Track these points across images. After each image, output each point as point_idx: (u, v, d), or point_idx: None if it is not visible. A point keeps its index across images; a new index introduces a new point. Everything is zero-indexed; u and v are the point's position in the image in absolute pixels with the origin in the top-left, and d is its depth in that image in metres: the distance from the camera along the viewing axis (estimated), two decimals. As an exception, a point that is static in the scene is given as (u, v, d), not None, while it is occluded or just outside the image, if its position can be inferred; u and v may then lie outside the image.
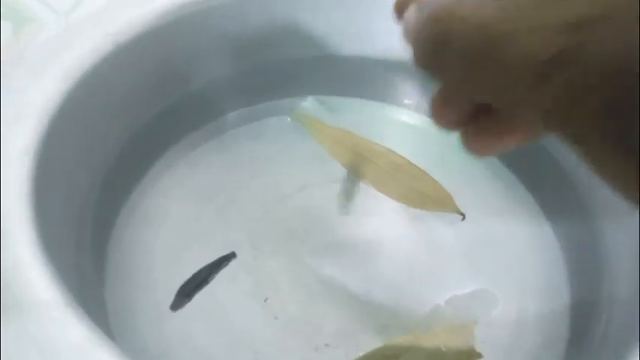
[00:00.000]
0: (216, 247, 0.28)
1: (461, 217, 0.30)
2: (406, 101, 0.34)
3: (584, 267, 0.27)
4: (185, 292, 0.26)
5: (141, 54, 0.27)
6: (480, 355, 0.25)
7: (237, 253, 0.28)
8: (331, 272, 0.28)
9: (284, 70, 0.33)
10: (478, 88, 0.13)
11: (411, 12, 0.15)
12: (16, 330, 0.17)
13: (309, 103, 0.34)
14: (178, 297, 0.26)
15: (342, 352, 0.26)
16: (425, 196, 0.30)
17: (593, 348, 0.24)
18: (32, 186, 0.20)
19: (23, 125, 0.21)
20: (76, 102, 0.23)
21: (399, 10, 0.16)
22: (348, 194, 0.20)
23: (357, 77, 0.34)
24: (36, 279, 0.18)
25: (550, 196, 0.30)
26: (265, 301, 0.27)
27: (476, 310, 0.27)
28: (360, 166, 0.31)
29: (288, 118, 0.33)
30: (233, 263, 0.28)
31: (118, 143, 0.28)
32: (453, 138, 0.31)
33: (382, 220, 0.30)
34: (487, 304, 0.27)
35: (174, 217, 0.29)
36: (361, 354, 0.25)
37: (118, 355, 0.16)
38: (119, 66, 0.26)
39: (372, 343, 0.26)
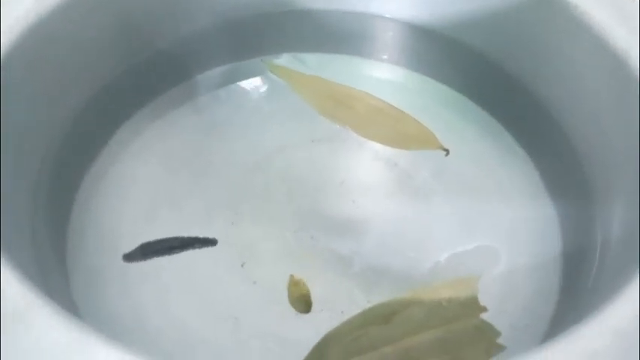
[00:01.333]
0: (190, 214, 0.27)
1: (445, 152, 0.29)
2: (385, 56, 0.32)
3: (575, 215, 0.26)
4: (144, 251, 0.24)
5: (97, 6, 0.25)
6: (484, 309, 0.24)
7: (215, 218, 0.27)
8: (313, 235, 0.26)
9: (256, 27, 0.31)
10: None
11: None
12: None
13: (284, 60, 0.32)
14: (136, 252, 0.24)
15: (325, 316, 0.24)
16: (407, 136, 0.29)
17: (585, 295, 0.22)
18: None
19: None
20: (22, 58, 0.21)
21: None
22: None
23: (334, 32, 0.32)
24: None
25: (538, 142, 0.28)
26: (242, 266, 0.25)
27: (478, 266, 0.25)
28: (336, 111, 0.30)
29: (260, 77, 0.31)
30: (210, 228, 0.26)
31: (77, 105, 0.26)
32: (435, 92, 0.31)
33: (365, 179, 0.29)
34: (489, 260, 0.25)
35: (144, 183, 0.27)
36: (344, 316, 0.24)
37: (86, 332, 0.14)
38: (71, 18, 0.24)
39: (358, 306, 0.24)
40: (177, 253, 0.25)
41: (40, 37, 0.22)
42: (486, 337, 0.23)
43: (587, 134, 0.25)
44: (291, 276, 0.24)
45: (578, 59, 0.24)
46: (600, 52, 0.23)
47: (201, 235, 0.25)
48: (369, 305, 0.24)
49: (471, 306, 0.23)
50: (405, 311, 0.23)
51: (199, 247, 0.25)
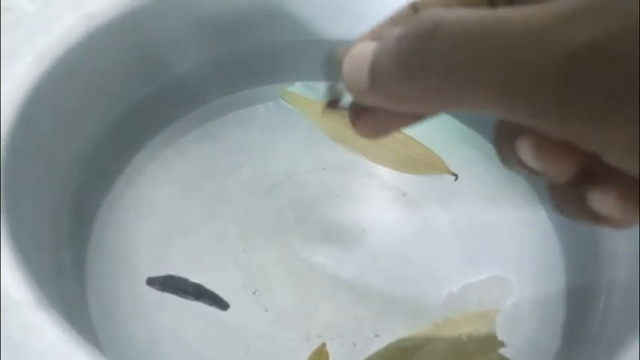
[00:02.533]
0: (203, 239, 0.27)
1: (454, 177, 0.30)
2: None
3: (580, 251, 0.26)
4: (164, 283, 0.25)
5: (118, 37, 0.25)
6: (502, 344, 0.24)
7: (226, 244, 0.27)
8: (323, 262, 0.27)
9: (270, 55, 0.32)
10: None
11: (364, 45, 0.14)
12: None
13: (296, 89, 0.33)
14: (157, 280, 0.25)
15: (335, 343, 0.25)
16: (415, 160, 0.30)
17: (592, 333, 0.23)
18: (3, 177, 0.19)
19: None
20: (49, 87, 0.22)
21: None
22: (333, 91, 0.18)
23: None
24: (7, 280, 0.17)
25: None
26: (254, 293, 0.26)
27: (492, 297, 0.26)
28: (346, 137, 0.31)
29: (272, 103, 0.32)
30: (222, 256, 0.27)
31: (97, 131, 0.26)
32: (441, 122, 0.31)
33: (374, 207, 0.29)
34: (499, 292, 0.26)
35: (160, 207, 0.28)
36: (354, 344, 0.25)
37: (94, 355, 0.15)
38: (95, 49, 0.25)
39: (367, 333, 0.25)
40: (189, 299, 0.25)
41: (65, 70, 0.23)
42: None
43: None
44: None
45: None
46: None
47: (216, 289, 0.26)
48: (377, 334, 0.25)
49: (490, 341, 0.24)
50: (428, 346, 0.24)
51: (209, 304, 0.25)
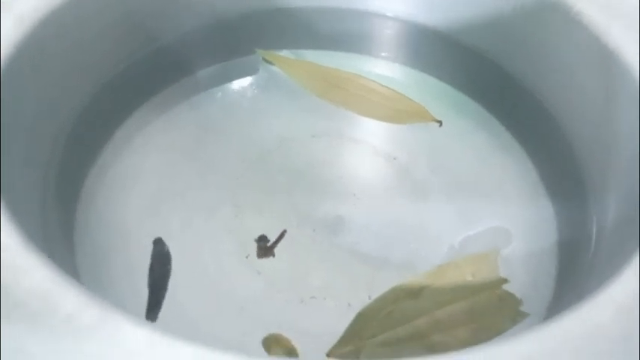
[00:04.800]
0: (194, 207, 0.27)
1: (438, 123, 0.30)
2: (384, 52, 0.33)
3: (571, 204, 0.26)
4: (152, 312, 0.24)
5: (104, 3, 0.25)
6: (505, 280, 0.25)
7: (217, 211, 0.27)
8: (315, 226, 0.27)
9: (255, 23, 0.32)
10: None
11: None
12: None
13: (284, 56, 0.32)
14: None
15: (330, 304, 0.25)
16: (400, 111, 0.31)
17: (580, 283, 0.23)
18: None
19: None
20: (32, 50, 0.22)
21: None
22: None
23: (333, 30, 0.33)
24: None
25: (534, 137, 0.29)
26: (247, 257, 0.26)
27: (493, 245, 0.26)
28: (331, 92, 0.31)
29: (259, 71, 0.32)
30: (213, 221, 0.27)
31: (83, 98, 0.26)
32: (432, 87, 0.32)
33: (364, 172, 0.29)
34: (500, 242, 0.26)
35: (147, 177, 0.28)
36: (349, 304, 0.25)
37: (84, 294, 0.15)
38: (79, 14, 0.24)
39: (361, 294, 0.25)
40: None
41: (48, 33, 0.23)
42: (510, 305, 0.24)
43: (583, 129, 0.26)
44: (267, 338, 0.24)
45: (573, 57, 0.25)
46: (595, 49, 0.24)
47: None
48: (370, 295, 0.25)
49: (493, 278, 0.25)
50: (433, 286, 0.24)
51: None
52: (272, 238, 0.26)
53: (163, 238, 0.26)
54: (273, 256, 0.25)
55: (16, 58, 0.21)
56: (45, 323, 0.14)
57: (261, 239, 0.26)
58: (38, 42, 0.22)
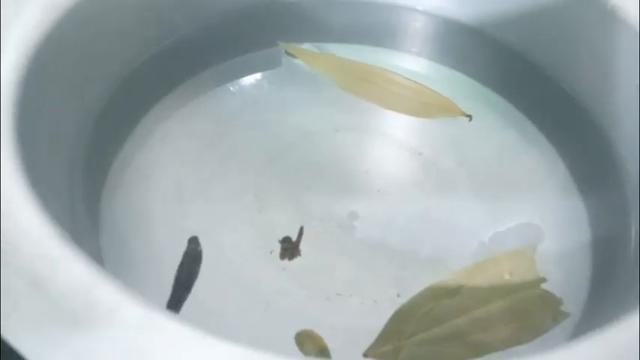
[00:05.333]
0: (217, 199, 0.27)
1: (468, 118, 0.30)
2: (409, 47, 0.32)
3: (604, 203, 0.26)
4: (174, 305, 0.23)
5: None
6: (544, 279, 0.24)
7: (240, 204, 0.27)
8: (339, 222, 0.27)
9: (280, 16, 0.31)
10: None
11: None
12: (14, 270, 0.15)
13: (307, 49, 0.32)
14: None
15: (356, 301, 0.24)
16: (428, 105, 0.30)
17: (618, 285, 0.23)
18: (17, 123, 0.19)
19: (4, 60, 0.20)
20: (58, 38, 0.21)
21: None
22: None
23: (358, 22, 0.32)
24: (30, 218, 0.16)
25: (564, 133, 0.29)
26: (271, 253, 0.26)
27: (526, 241, 0.26)
28: (356, 85, 0.30)
29: (282, 63, 0.31)
30: (236, 217, 0.26)
31: (108, 87, 0.26)
32: (459, 81, 0.31)
33: (389, 167, 0.29)
34: (532, 238, 0.26)
35: (172, 168, 0.27)
36: (376, 301, 0.24)
37: (120, 289, 0.14)
38: (104, 3, 0.24)
39: (388, 291, 0.24)
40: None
41: (74, 23, 0.22)
42: (551, 304, 0.23)
43: (619, 124, 0.25)
44: (299, 333, 0.23)
45: (608, 52, 0.25)
46: (631, 45, 0.23)
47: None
48: (399, 293, 0.24)
49: (532, 276, 0.24)
50: (471, 283, 0.24)
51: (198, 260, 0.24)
52: (294, 235, 0.26)
53: (186, 231, 0.26)
54: (300, 255, 0.25)
55: (43, 48, 0.21)
56: (86, 319, 0.14)
57: (285, 240, 0.25)
58: (65, 31, 0.22)
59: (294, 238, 0.26)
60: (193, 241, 0.24)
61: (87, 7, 0.23)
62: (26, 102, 0.19)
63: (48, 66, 0.21)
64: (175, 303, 0.23)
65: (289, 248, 0.25)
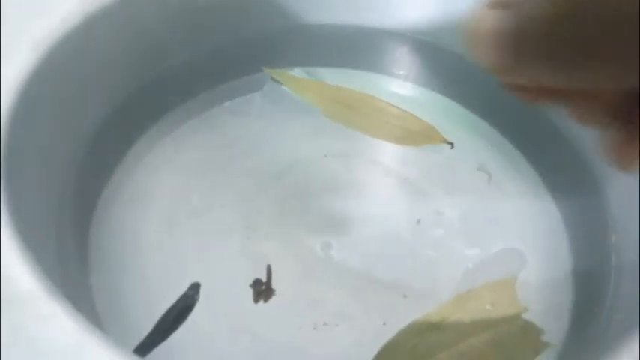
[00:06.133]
0: (206, 230, 0.27)
1: (450, 146, 0.30)
2: (397, 71, 0.33)
3: (587, 234, 0.26)
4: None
5: (115, 24, 0.25)
6: (525, 309, 0.25)
7: (229, 234, 0.27)
8: (328, 250, 0.27)
9: (268, 40, 0.32)
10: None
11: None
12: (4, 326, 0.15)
13: (296, 74, 0.32)
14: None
15: (342, 330, 0.25)
16: (411, 132, 0.31)
17: (601, 320, 0.23)
18: (5, 162, 0.19)
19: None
20: (47, 74, 0.22)
21: None
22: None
23: (346, 47, 0.33)
24: (15, 269, 0.17)
25: (549, 160, 0.29)
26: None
27: (508, 267, 0.26)
28: (341, 113, 0.31)
29: (269, 89, 0.32)
30: (226, 243, 0.27)
31: (96, 119, 0.26)
32: (445, 108, 0.31)
33: (377, 194, 0.29)
34: (515, 264, 0.26)
35: (161, 197, 0.28)
36: (364, 331, 0.25)
37: (110, 347, 0.15)
38: (92, 37, 0.24)
39: (375, 319, 0.25)
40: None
41: (63, 57, 0.22)
42: (532, 336, 0.24)
43: (599, 156, 0.26)
44: None
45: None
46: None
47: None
48: (385, 322, 0.25)
49: (513, 306, 0.25)
50: (453, 317, 0.24)
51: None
52: (284, 261, 0.26)
53: (174, 259, 0.26)
54: (274, 294, 0.25)
55: (32, 84, 0.21)
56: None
57: (256, 283, 0.25)
58: (54, 66, 0.22)
59: (280, 270, 0.26)
60: (193, 288, 0.24)
61: (76, 41, 0.23)
62: (14, 142, 0.19)
63: (37, 102, 0.21)
64: (146, 347, 0.22)
65: (262, 290, 0.25)
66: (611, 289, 0.23)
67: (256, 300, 0.24)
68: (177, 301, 0.22)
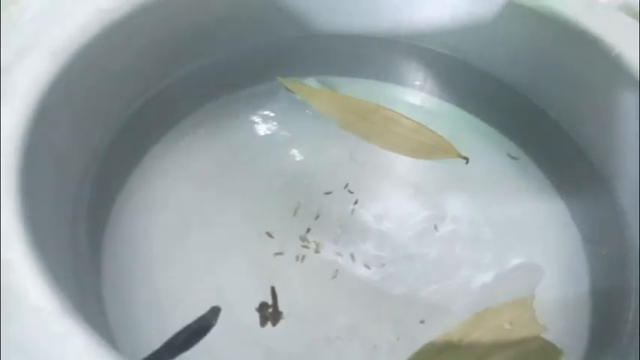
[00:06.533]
0: (218, 234, 0.27)
1: (465, 161, 0.30)
2: (411, 81, 0.32)
3: (605, 252, 0.26)
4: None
5: (132, 33, 0.25)
6: (544, 328, 0.24)
7: (240, 240, 0.26)
8: (340, 261, 0.27)
9: (283, 51, 0.32)
10: None
11: None
12: (11, 341, 0.15)
13: (310, 84, 0.32)
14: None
15: (355, 344, 0.24)
16: (426, 145, 0.30)
17: (621, 342, 0.23)
18: (21, 174, 0.19)
19: (9, 109, 0.20)
20: (65, 83, 0.22)
21: None
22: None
23: (361, 57, 0.33)
24: (29, 281, 0.17)
25: (567, 177, 0.29)
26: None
27: (526, 283, 0.26)
28: (355, 124, 0.30)
29: (283, 97, 0.31)
30: (238, 257, 0.26)
31: (112, 127, 0.26)
32: (460, 118, 0.31)
33: (390, 203, 0.29)
34: (533, 278, 0.26)
35: (174, 202, 0.27)
36: (375, 346, 0.24)
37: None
38: (110, 45, 0.24)
39: (388, 333, 0.25)
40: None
41: (80, 66, 0.22)
42: (551, 356, 0.23)
43: (619, 173, 0.26)
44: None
45: (611, 99, 0.25)
46: (625, 82, 0.23)
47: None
48: (399, 337, 0.24)
49: (532, 326, 0.24)
50: (472, 335, 0.24)
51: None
52: (297, 272, 0.26)
53: (185, 267, 0.26)
54: (283, 317, 0.24)
55: (49, 94, 0.21)
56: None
57: (262, 307, 0.25)
58: (71, 76, 0.22)
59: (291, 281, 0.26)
60: (213, 312, 0.23)
61: (94, 50, 0.23)
62: (30, 153, 0.19)
63: (53, 111, 0.21)
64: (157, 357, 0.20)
65: (269, 314, 0.24)
66: (632, 308, 0.23)
67: (263, 324, 0.24)
68: (194, 322, 0.21)
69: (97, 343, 0.15)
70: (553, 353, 0.23)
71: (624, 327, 0.23)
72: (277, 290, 0.26)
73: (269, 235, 0.27)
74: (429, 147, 0.30)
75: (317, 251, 0.27)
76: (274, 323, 0.24)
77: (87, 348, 0.15)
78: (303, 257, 0.27)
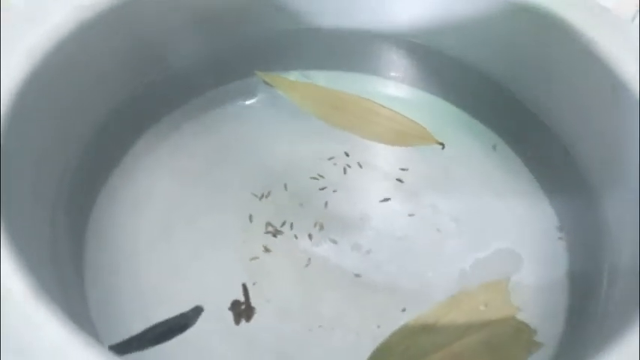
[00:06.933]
0: (203, 231, 0.27)
1: (440, 146, 0.30)
2: (392, 73, 0.33)
3: (582, 237, 0.26)
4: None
5: (111, 29, 0.25)
6: (518, 309, 0.25)
7: (225, 235, 0.27)
8: (323, 253, 0.27)
9: (265, 45, 0.32)
10: None
11: None
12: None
13: (292, 78, 0.32)
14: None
15: (338, 333, 0.25)
16: (403, 133, 0.31)
17: (595, 321, 0.23)
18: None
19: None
20: (42, 82, 0.22)
21: None
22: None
23: (342, 50, 0.33)
24: (8, 276, 0.17)
25: (544, 163, 0.29)
26: (254, 284, 0.26)
27: (504, 268, 0.26)
28: (334, 116, 0.31)
29: (266, 93, 0.32)
30: (221, 245, 0.27)
31: (92, 124, 0.26)
32: (441, 110, 0.31)
33: (372, 197, 0.29)
34: (511, 265, 0.26)
35: (157, 200, 0.28)
36: (358, 334, 0.25)
37: (101, 354, 0.15)
38: (87, 42, 0.24)
39: (370, 322, 0.25)
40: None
41: (57, 63, 0.22)
42: (525, 336, 0.24)
43: (592, 158, 0.26)
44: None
45: (583, 85, 0.25)
46: (606, 80, 0.24)
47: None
48: (379, 325, 0.25)
49: (506, 307, 0.25)
50: (447, 317, 0.24)
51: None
52: (280, 265, 0.26)
53: (171, 265, 0.26)
54: (255, 312, 0.25)
55: (26, 91, 0.21)
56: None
57: (234, 305, 0.25)
58: (48, 73, 0.22)
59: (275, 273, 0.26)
60: (195, 312, 0.23)
61: (71, 47, 0.23)
62: (7, 151, 0.20)
63: (31, 109, 0.22)
64: (122, 348, 0.21)
65: (242, 311, 0.24)
66: (604, 291, 0.23)
67: (237, 321, 0.24)
68: (174, 318, 0.21)
69: (78, 335, 0.15)
70: (527, 333, 0.24)
71: (598, 306, 0.23)
72: (262, 284, 0.26)
73: (253, 229, 0.27)
74: (406, 134, 0.30)
75: (299, 243, 0.27)
76: (247, 319, 0.24)
77: (68, 341, 0.15)
78: (287, 250, 0.27)
